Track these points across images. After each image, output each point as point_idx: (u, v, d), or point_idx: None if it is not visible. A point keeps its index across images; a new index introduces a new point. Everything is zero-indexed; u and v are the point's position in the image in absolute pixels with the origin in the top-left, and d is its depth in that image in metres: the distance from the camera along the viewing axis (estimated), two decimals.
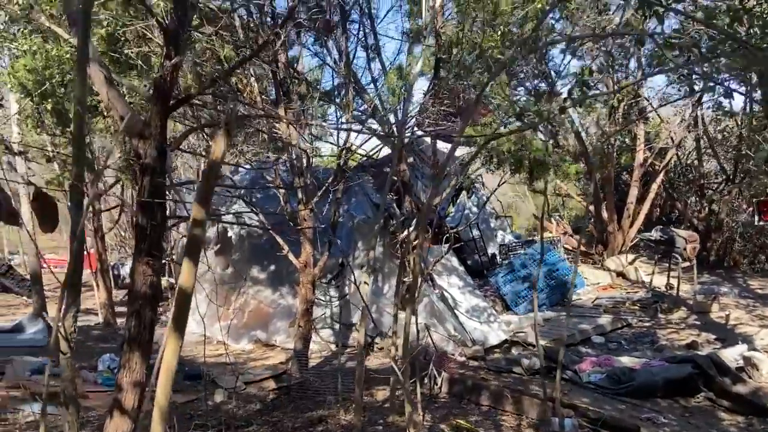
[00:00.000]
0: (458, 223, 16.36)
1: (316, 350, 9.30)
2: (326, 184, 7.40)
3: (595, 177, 13.62)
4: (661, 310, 10.76)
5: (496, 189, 16.24)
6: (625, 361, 7.79)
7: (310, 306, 7.79)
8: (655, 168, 14.33)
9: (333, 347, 9.70)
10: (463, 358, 9.04)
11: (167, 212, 3.76)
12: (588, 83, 3.70)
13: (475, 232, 15.85)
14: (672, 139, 13.86)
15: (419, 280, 9.99)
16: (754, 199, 7.08)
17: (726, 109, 16.07)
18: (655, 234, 11.22)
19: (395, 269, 10.23)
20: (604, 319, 10.34)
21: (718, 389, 6.83)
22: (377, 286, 9.98)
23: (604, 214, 13.95)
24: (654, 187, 13.94)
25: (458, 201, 17.78)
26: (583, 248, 14.60)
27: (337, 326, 9.97)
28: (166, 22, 3.28)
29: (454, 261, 10.67)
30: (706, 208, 15.39)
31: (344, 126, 7.34)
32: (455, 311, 9.76)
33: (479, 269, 14.40)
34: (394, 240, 9.96)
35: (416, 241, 9.88)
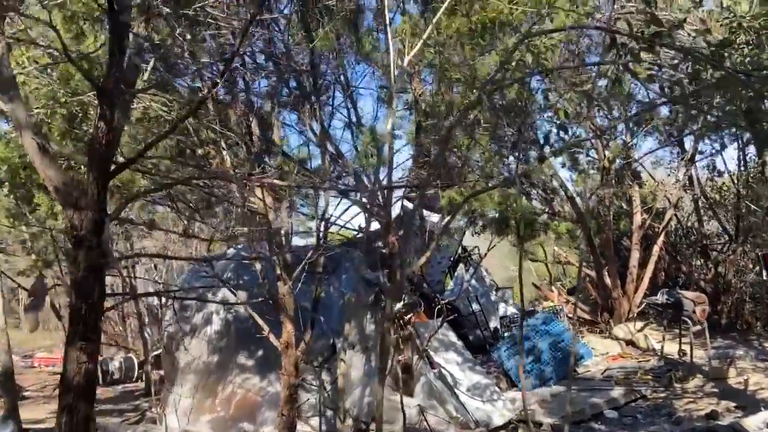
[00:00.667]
0: (457, 296, 15.89)
1: None
2: (305, 260, 7.03)
3: (594, 242, 13.26)
4: (676, 378, 10.08)
5: (486, 254, 15.91)
6: None
7: (295, 391, 7.24)
8: (655, 230, 14.00)
9: None
10: None
11: (107, 290, 3.39)
12: (565, 126, 3.45)
13: (475, 306, 15.32)
14: (668, 200, 13.61)
15: (415, 357, 9.45)
16: (760, 253, 6.67)
17: (719, 169, 16.03)
18: (661, 298, 10.71)
19: (389, 348, 9.69)
20: (617, 392, 9.66)
21: None
22: (370, 366, 9.39)
23: (607, 281, 13.47)
24: (655, 249, 13.54)
25: (456, 274, 17.36)
26: (588, 317, 14.02)
27: (329, 413, 9.28)
28: (100, 81, 3.05)
29: (451, 335, 10.13)
30: (712, 270, 14.91)
31: (324, 194, 7.08)
32: (455, 390, 9.12)
33: (482, 344, 13.77)
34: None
35: (409, 316, 9.42)
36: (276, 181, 5.19)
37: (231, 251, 12.04)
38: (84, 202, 3.18)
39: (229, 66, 3.68)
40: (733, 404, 8.60)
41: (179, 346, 11.69)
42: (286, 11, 6.36)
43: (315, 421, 9.25)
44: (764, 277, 6.89)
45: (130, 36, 3.33)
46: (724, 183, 16.33)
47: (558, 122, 3.53)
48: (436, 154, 6.58)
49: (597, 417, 9.03)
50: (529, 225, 6.41)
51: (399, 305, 9.31)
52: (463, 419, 8.79)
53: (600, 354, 12.48)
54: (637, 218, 13.28)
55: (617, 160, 12.72)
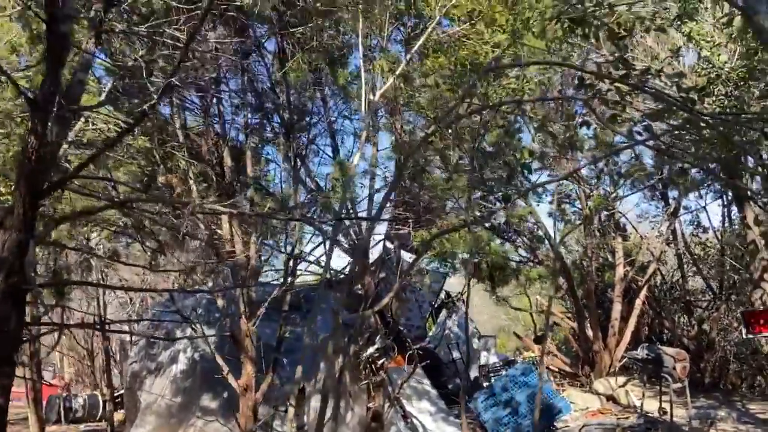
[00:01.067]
0: (438, 343, 15.54)
1: None
2: (270, 297, 6.75)
3: (576, 293, 13.04)
4: None
5: (460, 295, 15.61)
6: None
7: None
8: (638, 284, 13.82)
9: None
10: None
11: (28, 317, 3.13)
12: (529, 167, 3.29)
13: (456, 354, 14.99)
14: (651, 253, 13.49)
15: (386, 405, 9.08)
16: (740, 310, 6.50)
17: (703, 225, 15.99)
18: (641, 353, 10.42)
19: (360, 394, 9.34)
20: None
21: None
22: (338, 414, 9.00)
23: (589, 333, 13.21)
24: (638, 303, 13.33)
25: (438, 320, 17.04)
26: (569, 369, 13.67)
27: None
28: (34, 94, 2.88)
29: (426, 384, 9.78)
30: (696, 327, 14.69)
31: (294, 228, 6.86)
32: None
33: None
34: (358, 360, 9.16)
35: (381, 361, 9.10)
36: (220, 208, 4.96)
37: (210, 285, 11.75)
38: (9, 222, 2.96)
39: (175, 74, 3.51)
40: None
41: (142, 384, 11.27)
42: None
43: None
44: (744, 336, 6.69)
45: (77, 50, 3.17)
46: (708, 239, 16.30)
47: (523, 162, 3.37)
48: (409, 183, 6.42)
49: None
50: (501, 269, 6.19)
51: (371, 349, 9.02)
52: None
53: (580, 408, 12.09)
54: (620, 270, 13.12)
55: (601, 212, 12.67)
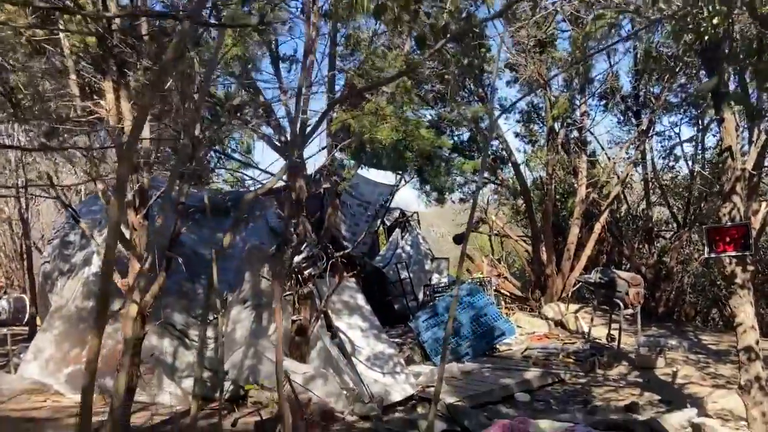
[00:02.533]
0: (388, 262, 14.80)
1: (166, 404, 7.38)
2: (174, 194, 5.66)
3: (534, 215, 12.26)
4: (600, 364, 9.21)
5: (413, 213, 14.79)
6: (545, 426, 6.13)
7: (138, 344, 5.95)
8: (600, 208, 13.10)
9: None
10: (353, 418, 7.26)
11: None
12: None
13: (405, 274, 14.30)
14: (617, 175, 12.68)
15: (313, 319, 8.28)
16: (704, 227, 5.63)
17: (675, 154, 15.20)
18: (594, 276, 9.79)
19: (285, 305, 8.50)
20: (532, 374, 8.73)
21: None
22: (260, 326, 8.19)
23: (544, 257, 12.55)
24: (597, 227, 12.65)
25: (391, 239, 16.28)
26: (519, 293, 13.11)
27: (206, 374, 8.04)
28: None
29: (360, 299, 8.98)
30: (655, 256, 14.17)
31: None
32: (352, 359, 8.02)
33: (406, 314, 12.75)
34: (283, 269, 8.26)
35: (308, 271, 8.22)
36: None
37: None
38: None
39: None
40: (657, 397, 7.74)
41: (53, 287, 10.30)
42: None
43: (188, 383, 8.02)
44: (706, 255, 5.87)
45: None
46: (678, 168, 15.59)
47: None
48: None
49: (507, 399, 8.07)
50: (429, 159, 5.21)
51: (298, 258, 8.12)
52: (357, 392, 7.70)
53: (526, 333, 11.58)
54: (582, 191, 12.31)
55: (568, 127, 11.71)
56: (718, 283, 13.91)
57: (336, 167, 8.37)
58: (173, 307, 8.66)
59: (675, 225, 14.89)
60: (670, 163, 15.20)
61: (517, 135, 15.73)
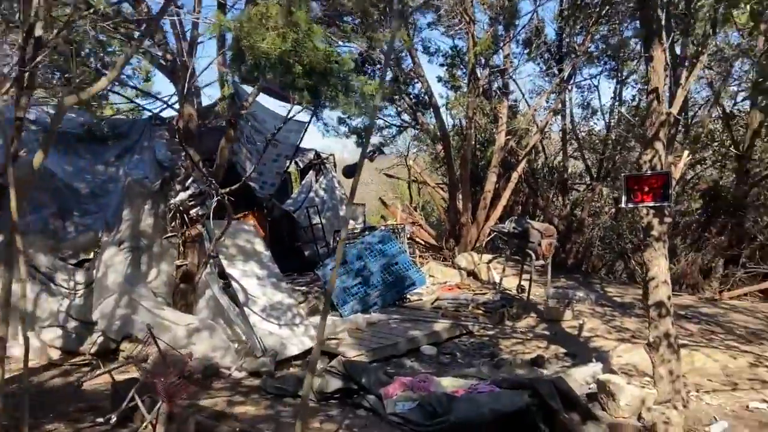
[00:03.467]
0: (300, 206, 13.98)
1: (17, 357, 6.39)
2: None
3: (453, 162, 11.74)
4: (509, 315, 8.96)
5: (329, 155, 13.98)
6: (447, 384, 5.69)
7: None
8: (518, 158, 12.77)
9: (57, 354, 6.83)
10: (241, 374, 6.57)
11: None
12: None
13: (316, 219, 13.56)
14: (536, 124, 12.32)
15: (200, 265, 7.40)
16: (623, 175, 5.17)
17: (593, 107, 15.07)
18: (508, 226, 9.43)
19: (169, 249, 7.59)
20: (441, 326, 8.33)
21: (561, 428, 4.90)
22: (137, 271, 7.23)
23: (460, 205, 12.14)
24: (514, 176, 12.34)
25: (304, 182, 15.40)
26: (434, 242, 12.71)
27: (72, 324, 7.07)
28: None
29: (257, 243, 8.17)
30: (568, 208, 14.14)
31: None
32: (245, 309, 7.26)
33: (317, 261, 12.06)
34: (168, 208, 7.30)
35: (195, 210, 7.28)
36: None
37: None
38: None
39: None
40: (563, 351, 7.53)
41: None
42: None
43: (51, 333, 7.02)
44: (623, 204, 5.46)
45: None
46: (595, 123, 15.52)
47: None
48: None
49: (413, 352, 7.64)
50: (323, 75, 4.41)
51: (183, 195, 7.17)
52: (249, 345, 6.99)
53: (438, 283, 11.22)
54: (501, 138, 11.88)
55: (488, 72, 11.13)
56: (625, 236, 14.13)
57: (233, 93, 7.37)
58: (38, 247, 7.53)
59: (588, 178, 14.92)
60: (587, 116, 15.11)
61: (440, 80, 15.08)
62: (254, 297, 7.42)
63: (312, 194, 14.57)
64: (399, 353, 7.52)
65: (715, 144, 12.24)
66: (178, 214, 7.13)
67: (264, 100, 10.46)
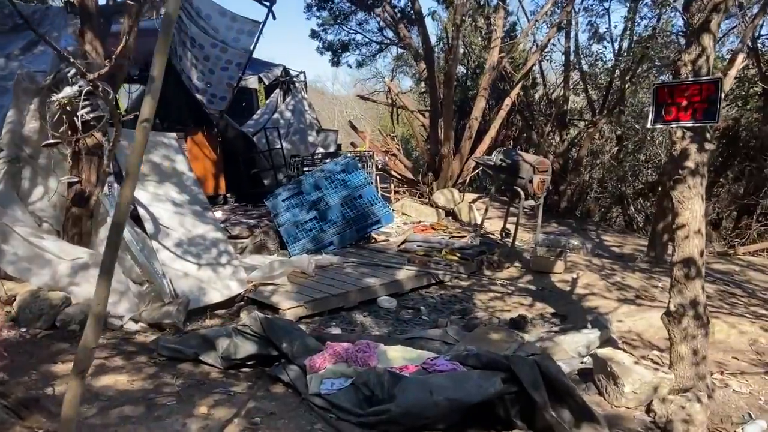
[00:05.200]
0: (261, 128, 12.27)
1: None
2: None
3: (437, 81, 9.98)
4: (489, 264, 7.52)
5: (300, 72, 12.36)
6: (395, 355, 4.23)
7: None
8: (512, 83, 11.03)
9: None
10: (137, 326, 5.10)
11: None
12: None
13: (278, 143, 11.92)
14: (535, 41, 10.53)
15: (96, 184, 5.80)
16: (654, 84, 3.49)
17: (600, 34, 13.19)
18: (495, 157, 7.85)
19: (61, 161, 5.96)
20: (405, 273, 6.88)
21: (543, 426, 3.49)
22: (13, 187, 5.62)
23: (441, 134, 10.46)
24: (507, 102, 10.63)
25: (269, 101, 13.64)
26: (410, 175, 11.12)
27: None
28: None
29: (179, 161, 6.53)
30: (566, 144, 12.54)
31: None
32: (152, 242, 5.71)
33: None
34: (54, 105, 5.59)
35: (93, 114, 5.59)
36: None
37: None
38: None
39: None
40: (551, 310, 6.13)
41: None
42: None
43: None
44: (650, 124, 3.83)
45: None
46: (601, 50, 13.68)
47: None
48: None
49: (368, 305, 6.21)
50: None
51: (69, 90, 5.47)
52: (153, 288, 5.50)
53: (411, 222, 9.73)
54: (493, 55, 10.07)
55: None
56: (627, 179, 12.62)
57: None
58: None
59: (590, 114, 13.26)
60: (594, 42, 13.25)
61: None
62: (167, 228, 5.87)
63: (277, 115, 12.84)
64: (349, 305, 6.08)
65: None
66: (65, 117, 5.45)
67: None
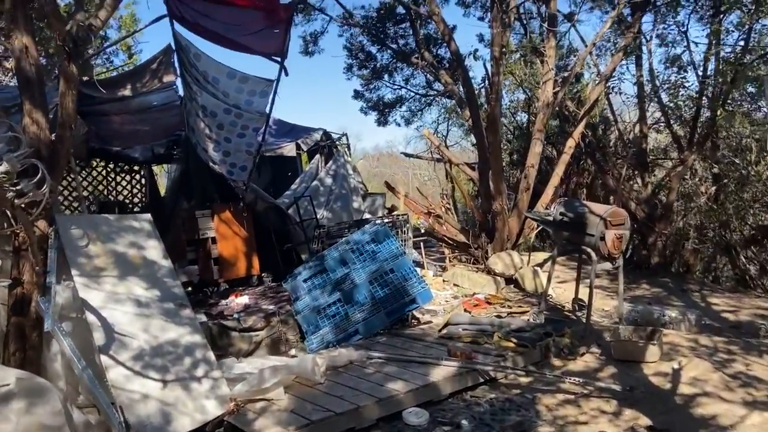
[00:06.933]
0: (299, 197, 11.19)
1: None
2: None
3: (482, 126, 8.53)
4: (557, 350, 5.76)
5: (342, 134, 11.30)
6: None
7: None
8: (575, 120, 9.39)
9: None
10: None
11: None
12: None
13: (323, 213, 10.79)
14: (598, 69, 8.91)
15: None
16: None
17: (680, 61, 11.37)
18: (553, 211, 6.21)
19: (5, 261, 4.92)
20: (444, 371, 5.25)
21: None
22: None
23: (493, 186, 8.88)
24: (570, 144, 8.96)
25: (308, 168, 12.66)
26: (461, 238, 9.51)
27: None
28: None
29: (151, 247, 5.35)
30: (649, 187, 10.58)
31: None
32: (102, 357, 4.47)
33: None
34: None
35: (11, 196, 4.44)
36: None
37: None
38: None
39: None
40: (646, 422, 4.30)
41: None
42: None
43: None
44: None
45: None
46: (684, 78, 11.75)
47: None
48: None
49: (389, 421, 4.63)
50: None
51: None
52: (108, 417, 4.20)
53: (463, 295, 8.09)
54: (548, 90, 8.51)
55: None
56: (731, 222, 10.40)
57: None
58: None
59: (677, 151, 11.27)
60: (672, 75, 11.36)
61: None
62: (124, 336, 4.62)
63: (316, 183, 11.76)
64: (363, 425, 4.53)
65: None
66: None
67: (210, 50, 7.74)
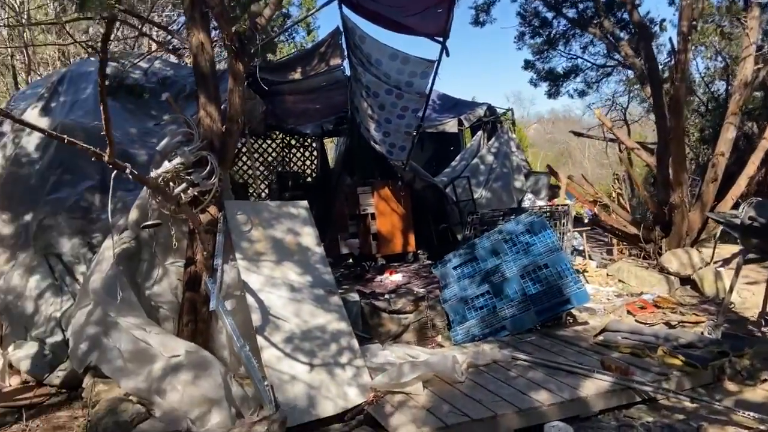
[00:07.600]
0: (458, 176, 11.09)
1: None
2: None
3: (664, 105, 7.59)
4: (734, 373, 5.07)
5: (507, 110, 10.88)
6: None
7: None
8: None
9: (17, 381, 5.22)
10: None
11: None
12: None
13: (481, 193, 10.63)
14: None
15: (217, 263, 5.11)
16: None
17: None
18: (742, 213, 5.36)
19: (180, 239, 5.48)
20: (595, 385, 4.88)
21: None
22: (128, 271, 5.24)
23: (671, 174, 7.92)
24: None
25: (469, 145, 12.45)
26: (632, 230, 8.67)
27: (54, 339, 5.40)
28: None
29: (306, 234, 5.59)
30: None
31: None
32: (258, 337, 4.81)
33: None
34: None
35: (180, 189, 4.90)
36: None
37: None
38: None
39: None
40: None
41: None
42: None
43: (24, 350, 5.44)
44: None
45: None
46: None
47: None
48: None
49: None
50: None
51: (168, 164, 4.93)
52: (261, 396, 4.57)
53: (629, 294, 7.43)
54: (746, 68, 7.29)
55: None
56: None
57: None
58: (62, 229, 6.05)
59: None
60: None
61: None
62: (278, 319, 4.94)
63: (476, 161, 11.53)
64: None
65: None
66: (166, 189, 4.92)
67: (373, 32, 7.81)
